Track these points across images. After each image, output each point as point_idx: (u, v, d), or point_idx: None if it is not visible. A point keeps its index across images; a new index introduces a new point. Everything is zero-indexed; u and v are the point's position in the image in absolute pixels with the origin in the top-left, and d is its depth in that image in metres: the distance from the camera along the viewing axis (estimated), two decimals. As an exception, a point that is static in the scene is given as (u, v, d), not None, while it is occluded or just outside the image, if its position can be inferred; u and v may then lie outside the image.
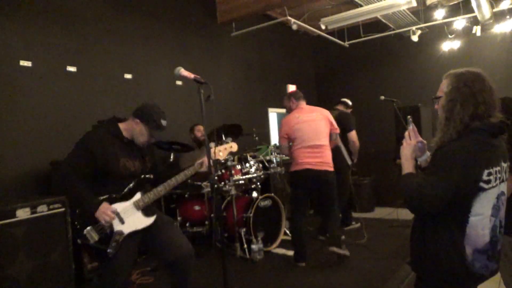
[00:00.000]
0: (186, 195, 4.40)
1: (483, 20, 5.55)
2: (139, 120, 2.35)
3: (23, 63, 3.58)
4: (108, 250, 2.18)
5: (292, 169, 3.84)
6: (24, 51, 3.60)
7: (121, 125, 2.39)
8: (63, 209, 3.12)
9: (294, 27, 5.50)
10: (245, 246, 4.06)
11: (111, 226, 2.21)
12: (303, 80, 7.75)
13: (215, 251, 4.12)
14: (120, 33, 4.47)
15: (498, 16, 5.68)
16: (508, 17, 5.64)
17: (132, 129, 2.37)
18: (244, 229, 4.08)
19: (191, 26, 5.40)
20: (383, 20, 6.03)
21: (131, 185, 2.33)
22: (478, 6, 5.09)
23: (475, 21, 5.81)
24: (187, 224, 4.28)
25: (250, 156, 4.60)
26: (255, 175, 4.49)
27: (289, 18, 5.43)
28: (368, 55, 7.27)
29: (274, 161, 4.96)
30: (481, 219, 1.43)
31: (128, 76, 4.50)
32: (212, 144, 2.56)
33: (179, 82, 5.07)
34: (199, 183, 4.23)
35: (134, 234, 2.29)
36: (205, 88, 2.28)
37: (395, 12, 5.63)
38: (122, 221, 2.24)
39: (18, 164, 3.49)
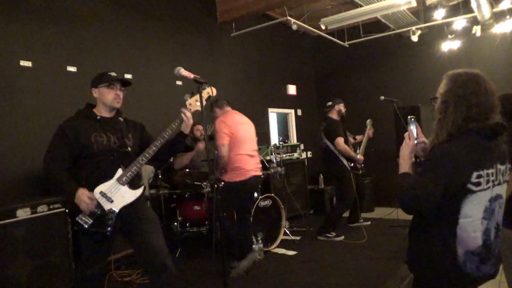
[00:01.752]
0: (186, 195, 4.40)
1: (483, 20, 5.55)
2: (94, 87, 2.43)
3: (23, 63, 3.58)
4: (106, 230, 2.23)
5: (236, 179, 3.59)
6: (24, 51, 3.60)
7: (94, 109, 2.48)
8: (63, 209, 3.12)
9: (294, 27, 5.50)
10: (245, 246, 4.06)
11: (100, 206, 2.23)
12: (303, 80, 7.75)
13: (215, 251, 4.12)
14: (120, 33, 4.47)
15: (498, 16, 5.68)
16: (508, 17, 5.63)
17: (98, 99, 2.44)
18: (244, 229, 4.08)
19: (191, 26, 5.40)
20: (383, 20, 6.02)
21: (111, 163, 2.31)
22: (478, 6, 5.09)
23: (475, 21, 5.81)
24: (187, 224, 4.28)
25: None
26: (255, 175, 4.49)
27: (289, 18, 5.44)
28: (368, 55, 7.27)
29: (274, 161, 4.96)
30: (471, 221, 1.42)
31: (128, 76, 4.50)
32: (187, 96, 2.44)
33: (179, 82, 5.07)
34: (199, 183, 4.23)
35: (122, 210, 2.28)
36: (205, 88, 2.27)
37: (395, 12, 5.63)
38: (110, 200, 2.26)
39: (18, 164, 3.49)
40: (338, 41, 6.67)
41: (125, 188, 2.30)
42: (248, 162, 3.67)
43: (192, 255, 4.22)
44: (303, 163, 6.14)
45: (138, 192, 2.35)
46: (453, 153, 1.41)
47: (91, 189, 2.25)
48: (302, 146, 6.38)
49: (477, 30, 5.80)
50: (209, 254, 4.13)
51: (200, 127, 4.59)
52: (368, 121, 5.36)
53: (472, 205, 1.41)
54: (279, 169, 4.91)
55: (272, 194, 4.50)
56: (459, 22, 5.95)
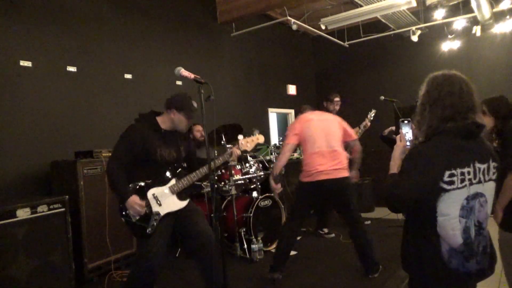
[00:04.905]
0: (186, 195, 4.40)
1: (483, 20, 5.55)
2: (175, 110, 2.59)
3: (23, 63, 3.58)
4: (148, 228, 2.48)
5: (304, 179, 3.42)
6: (24, 51, 3.60)
7: (159, 118, 2.65)
8: (63, 209, 3.13)
9: (294, 27, 5.50)
10: (245, 246, 4.06)
11: (150, 207, 2.50)
12: (303, 80, 7.75)
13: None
14: (120, 33, 4.47)
15: (498, 16, 5.68)
16: (508, 17, 5.64)
17: (171, 120, 2.62)
18: (244, 229, 4.08)
19: (191, 26, 5.40)
20: (383, 20, 6.03)
21: (167, 172, 2.60)
22: (478, 6, 5.10)
23: (475, 21, 5.81)
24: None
25: (250, 156, 4.60)
26: (255, 175, 4.49)
27: (289, 18, 5.44)
28: (368, 55, 7.27)
29: (274, 161, 4.96)
30: (448, 219, 1.44)
31: (128, 76, 4.51)
32: (240, 136, 2.81)
33: (179, 82, 5.07)
34: (199, 183, 4.23)
35: (169, 215, 2.56)
36: (205, 88, 2.28)
37: (395, 12, 5.64)
38: (159, 204, 2.54)
39: (18, 164, 3.49)
40: (338, 41, 6.67)
41: (174, 197, 2.60)
42: (318, 162, 3.34)
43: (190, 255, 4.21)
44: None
45: (183, 204, 2.64)
46: (424, 153, 1.45)
47: (145, 190, 2.51)
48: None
49: (477, 30, 5.81)
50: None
51: (199, 127, 4.59)
52: (372, 112, 5.10)
53: (447, 203, 1.43)
54: (279, 169, 4.90)
55: (272, 194, 4.50)
56: (459, 22, 5.96)
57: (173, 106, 2.59)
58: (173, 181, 2.60)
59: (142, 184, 2.53)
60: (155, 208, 2.51)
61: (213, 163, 2.58)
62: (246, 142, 2.80)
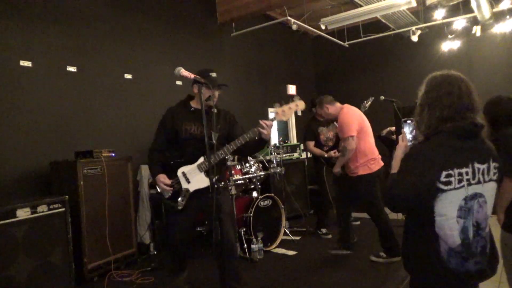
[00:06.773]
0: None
1: (483, 20, 5.55)
2: (196, 85, 2.63)
3: (23, 63, 3.58)
4: (178, 203, 2.65)
5: (368, 171, 3.76)
6: (24, 51, 3.60)
7: (192, 101, 2.82)
8: (63, 209, 3.13)
9: (294, 27, 5.50)
10: (245, 246, 4.06)
11: (179, 184, 2.68)
12: (303, 80, 7.75)
13: (215, 251, 4.11)
14: (120, 33, 4.47)
15: (498, 16, 5.68)
16: (508, 17, 5.64)
17: (197, 96, 2.68)
18: (244, 229, 4.08)
19: (191, 26, 5.40)
20: (383, 20, 6.03)
21: (196, 150, 2.66)
22: (478, 6, 5.10)
23: (475, 21, 5.81)
24: (187, 224, 4.28)
25: (250, 156, 4.60)
26: (255, 175, 4.49)
27: (289, 18, 5.44)
28: (368, 55, 7.27)
29: (274, 161, 4.96)
30: (445, 219, 1.44)
31: (128, 76, 4.51)
32: (277, 105, 2.60)
33: (179, 82, 5.07)
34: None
35: (198, 193, 2.67)
36: (204, 87, 2.29)
37: (395, 12, 5.64)
38: (188, 181, 2.68)
39: (18, 164, 3.49)
40: (338, 41, 6.67)
41: (202, 175, 2.68)
42: (376, 151, 3.88)
43: (192, 255, 4.21)
44: (303, 163, 6.14)
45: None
46: (421, 153, 1.46)
47: (176, 168, 2.68)
48: (302, 146, 6.37)
49: (477, 30, 5.81)
50: (209, 254, 4.13)
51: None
52: (368, 101, 4.84)
53: (444, 203, 1.43)
54: (279, 169, 4.91)
55: (272, 194, 4.50)
56: (459, 22, 5.96)
57: (194, 82, 2.64)
58: (201, 159, 2.68)
59: (172, 163, 2.71)
60: (184, 185, 2.67)
61: (242, 138, 2.57)
62: (283, 111, 2.50)
